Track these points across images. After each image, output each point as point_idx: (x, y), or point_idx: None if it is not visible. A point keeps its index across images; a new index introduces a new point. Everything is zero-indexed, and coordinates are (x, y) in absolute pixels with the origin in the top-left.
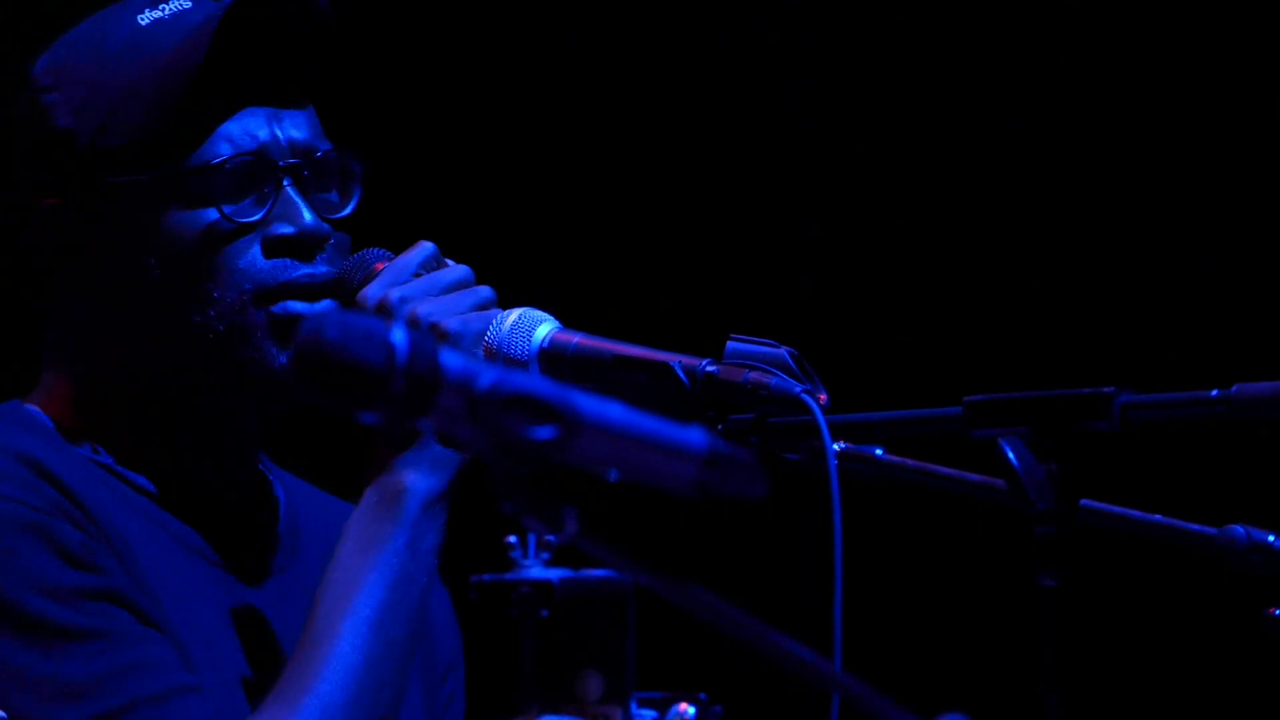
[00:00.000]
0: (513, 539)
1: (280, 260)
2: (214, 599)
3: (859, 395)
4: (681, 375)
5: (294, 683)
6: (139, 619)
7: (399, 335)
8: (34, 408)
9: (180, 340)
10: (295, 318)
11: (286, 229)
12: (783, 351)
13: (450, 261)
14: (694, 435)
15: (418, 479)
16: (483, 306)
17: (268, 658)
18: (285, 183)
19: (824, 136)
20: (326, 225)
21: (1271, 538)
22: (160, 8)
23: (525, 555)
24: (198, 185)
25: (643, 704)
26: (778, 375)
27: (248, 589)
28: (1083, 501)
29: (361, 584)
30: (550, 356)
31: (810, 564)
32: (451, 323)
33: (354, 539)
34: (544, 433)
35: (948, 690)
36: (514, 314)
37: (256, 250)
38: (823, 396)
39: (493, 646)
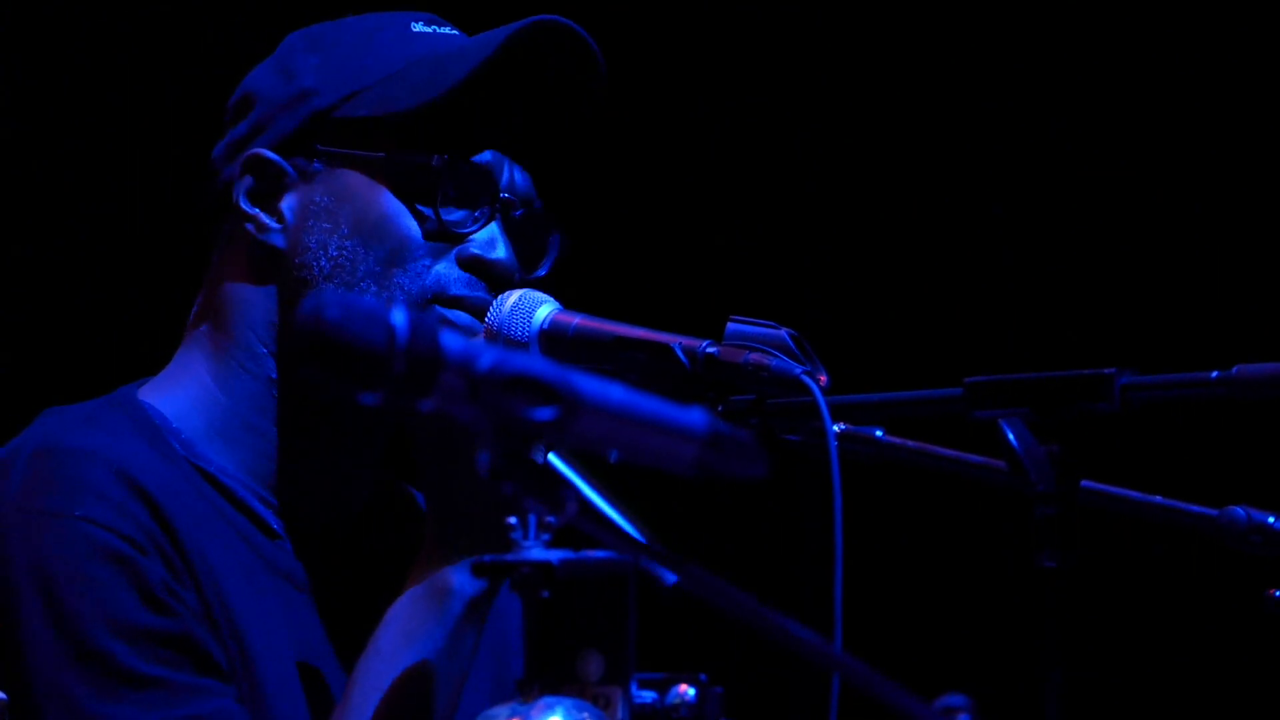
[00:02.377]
0: (513, 520)
1: (469, 275)
2: (302, 630)
3: (859, 376)
4: (682, 356)
5: None
6: (206, 667)
7: (399, 317)
8: (150, 401)
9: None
10: (466, 327)
11: (486, 252)
12: (783, 333)
13: None
14: (694, 416)
15: (466, 579)
16: None
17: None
18: (498, 215)
19: (825, 119)
20: (519, 271)
21: (1271, 519)
22: (432, 27)
23: (525, 536)
24: (427, 179)
25: (643, 685)
26: (778, 356)
27: (343, 618)
28: (1083, 482)
29: (395, 680)
30: (550, 338)
31: (810, 545)
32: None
33: (396, 627)
34: (544, 413)
35: (949, 671)
36: (514, 295)
37: (450, 259)
38: (823, 378)
39: None
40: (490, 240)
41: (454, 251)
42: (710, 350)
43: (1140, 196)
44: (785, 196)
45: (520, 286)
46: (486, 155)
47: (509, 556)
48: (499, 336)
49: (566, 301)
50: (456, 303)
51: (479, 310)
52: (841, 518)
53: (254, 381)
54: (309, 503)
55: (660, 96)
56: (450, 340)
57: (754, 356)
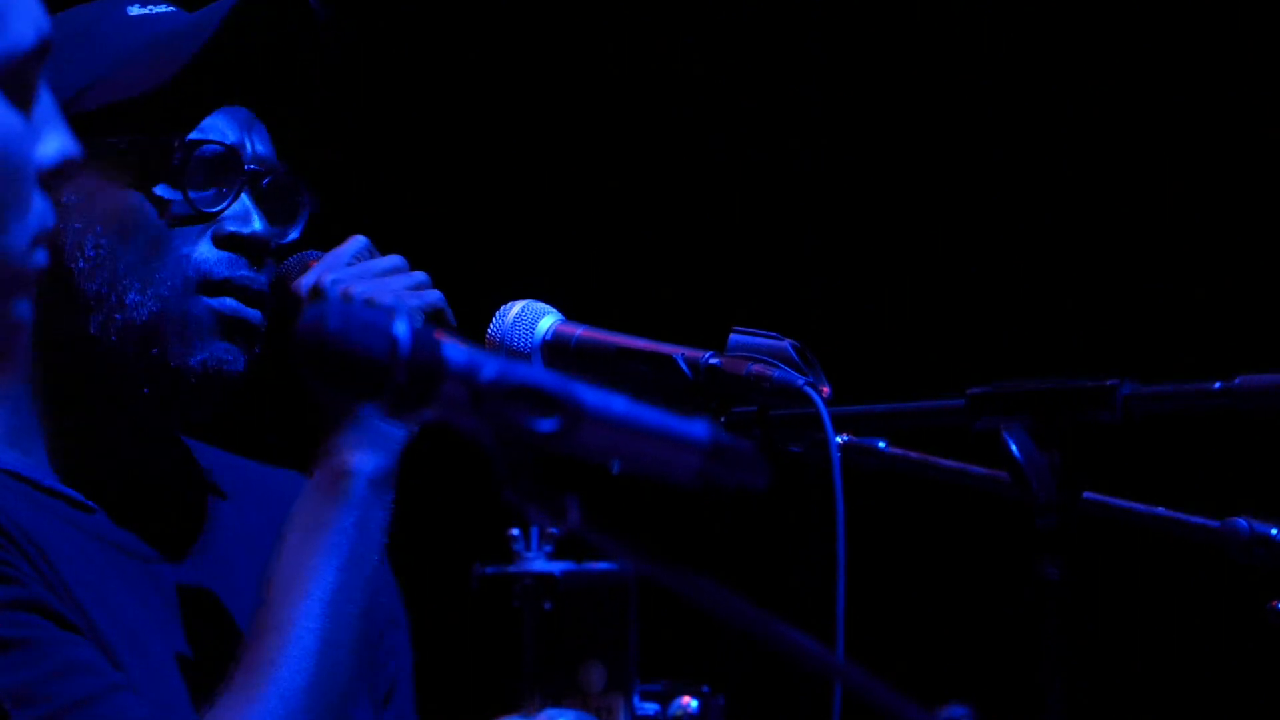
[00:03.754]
0: (515, 531)
1: (228, 254)
2: (139, 593)
3: (862, 387)
4: (684, 367)
5: (251, 672)
6: (63, 624)
7: (401, 327)
8: None
9: (112, 318)
10: (233, 316)
11: (241, 228)
12: (785, 343)
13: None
14: (697, 427)
15: (363, 459)
16: (418, 286)
17: (200, 644)
18: (244, 186)
19: (827, 127)
20: (274, 241)
21: (1274, 530)
22: (149, 8)
23: (528, 547)
24: (168, 162)
25: (645, 696)
26: (780, 367)
27: (173, 576)
28: (1085, 493)
29: (312, 567)
30: (553, 348)
31: (813, 556)
32: (386, 298)
33: (301, 522)
34: (547, 424)
35: (950, 681)
36: (517, 306)
37: (207, 240)
38: (825, 389)
39: (495, 639)
40: (243, 213)
41: (209, 232)
42: (713, 361)
43: (1144, 206)
44: (788, 206)
45: (276, 252)
46: (228, 133)
47: (512, 568)
48: (501, 347)
49: (569, 313)
50: (223, 286)
51: (246, 292)
52: (844, 529)
53: (25, 385)
54: (115, 478)
55: (662, 105)
56: (453, 351)
57: (756, 367)
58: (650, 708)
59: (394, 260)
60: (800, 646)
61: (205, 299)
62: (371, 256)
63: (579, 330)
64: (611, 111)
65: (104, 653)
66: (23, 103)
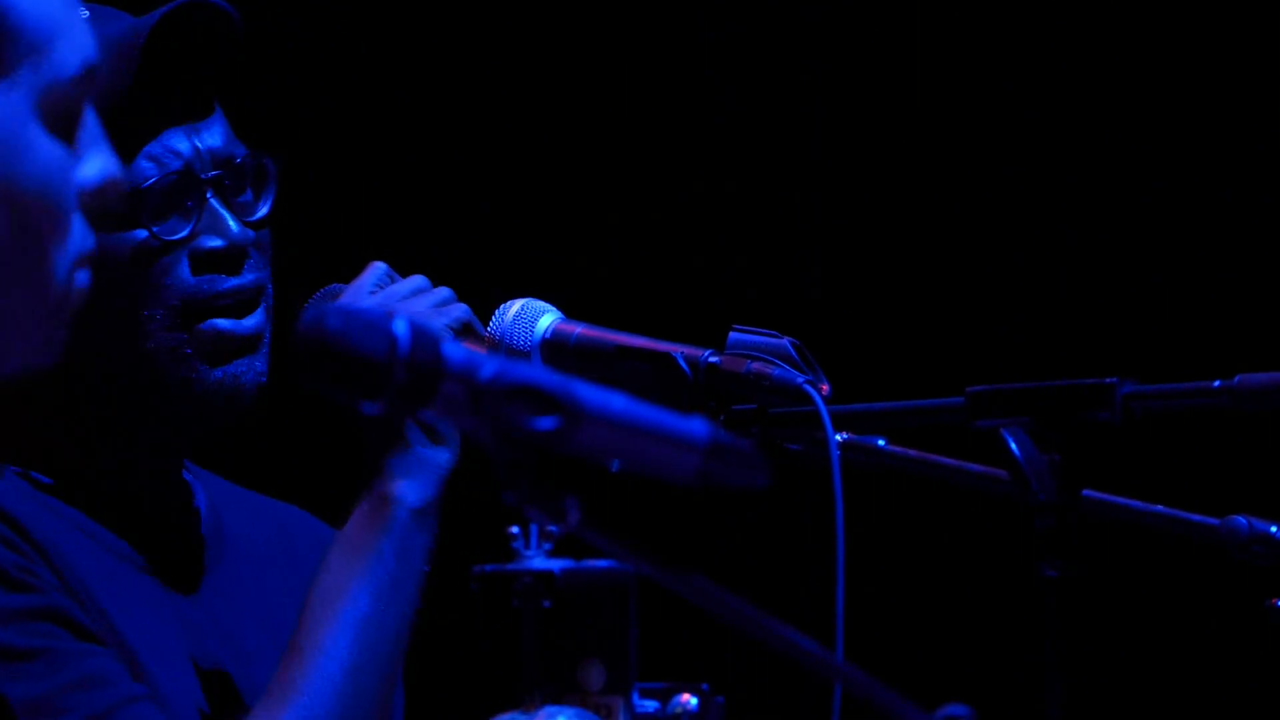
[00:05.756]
0: (515, 529)
1: (206, 276)
2: (152, 607)
3: (861, 386)
4: (684, 365)
5: (277, 693)
6: (82, 634)
7: (401, 326)
8: None
9: (108, 358)
10: (223, 335)
11: (215, 242)
12: (785, 342)
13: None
14: (696, 426)
15: (407, 487)
16: (444, 303)
17: (209, 661)
18: (209, 195)
19: (827, 126)
20: (251, 232)
21: (1274, 529)
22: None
23: (527, 546)
24: (125, 207)
25: (645, 695)
26: (780, 365)
27: (180, 595)
28: (1085, 492)
29: (347, 592)
30: (552, 347)
31: (812, 555)
32: (417, 319)
33: (342, 546)
34: (546, 423)
35: (950, 681)
36: (516, 305)
37: (184, 266)
38: (825, 387)
39: (494, 637)
40: (213, 224)
41: (184, 258)
42: (712, 359)
43: (1143, 205)
44: (787, 205)
45: (256, 240)
46: (179, 145)
47: (511, 566)
48: (501, 345)
49: (568, 311)
50: (208, 308)
51: (237, 301)
52: (844, 527)
53: (35, 413)
54: (114, 499)
55: (663, 103)
56: (452, 349)
57: (756, 365)
58: (650, 706)
59: (416, 282)
60: (799, 646)
61: (194, 325)
62: (392, 281)
63: (578, 328)
64: (612, 109)
65: (128, 661)
66: (66, 131)
